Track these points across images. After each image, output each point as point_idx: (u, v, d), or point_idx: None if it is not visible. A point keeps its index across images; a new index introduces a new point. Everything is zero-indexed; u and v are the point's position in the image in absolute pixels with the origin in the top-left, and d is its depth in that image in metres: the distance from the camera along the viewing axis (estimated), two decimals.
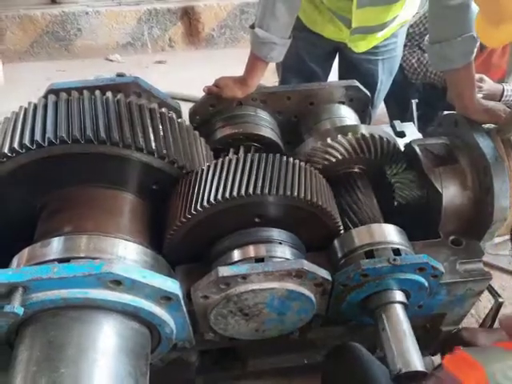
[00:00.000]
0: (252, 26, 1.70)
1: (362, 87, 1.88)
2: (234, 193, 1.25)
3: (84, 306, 1.08)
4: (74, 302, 1.06)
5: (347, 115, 1.85)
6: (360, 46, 2.05)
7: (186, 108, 1.85)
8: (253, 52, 1.72)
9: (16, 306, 0.98)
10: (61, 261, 1.15)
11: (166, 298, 1.13)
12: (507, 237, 1.67)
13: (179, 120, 1.48)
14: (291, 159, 1.42)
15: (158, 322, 1.17)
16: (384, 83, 2.30)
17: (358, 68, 2.18)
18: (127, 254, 1.23)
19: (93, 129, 1.27)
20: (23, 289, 1.01)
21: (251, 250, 1.31)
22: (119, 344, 1.10)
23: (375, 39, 2.05)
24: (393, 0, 1.80)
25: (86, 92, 1.41)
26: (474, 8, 1.57)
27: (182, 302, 1.16)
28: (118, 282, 1.06)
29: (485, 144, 1.48)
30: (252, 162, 1.35)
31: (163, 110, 1.46)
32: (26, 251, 1.21)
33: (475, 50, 1.59)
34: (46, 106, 1.36)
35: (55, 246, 1.20)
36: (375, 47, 2.10)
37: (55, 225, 1.30)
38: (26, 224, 1.35)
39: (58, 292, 1.04)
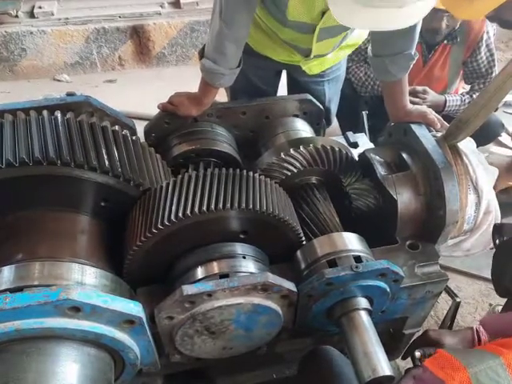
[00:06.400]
0: (201, 53, 1.70)
1: (314, 100, 1.93)
2: (196, 209, 1.23)
3: (40, 337, 1.01)
4: (30, 333, 1.00)
5: (302, 128, 1.88)
6: (314, 68, 2.06)
7: (139, 126, 1.81)
8: (203, 78, 1.73)
9: None
10: (13, 290, 1.08)
11: (128, 322, 1.09)
12: (459, 238, 1.74)
13: (133, 137, 1.45)
14: (251, 173, 1.42)
15: (121, 347, 1.12)
16: (333, 100, 2.36)
17: (306, 90, 2.18)
18: (85, 279, 1.18)
19: (27, 151, 1.20)
20: None
21: (215, 266, 1.30)
22: (78, 372, 1.05)
23: (328, 61, 2.07)
24: (348, 27, 1.83)
25: (32, 112, 1.35)
26: (417, 27, 1.66)
27: (146, 324, 1.12)
28: (76, 309, 1.01)
29: (433, 150, 1.55)
30: (212, 177, 1.34)
31: (116, 127, 1.42)
32: None
33: (412, 65, 1.72)
34: None
35: (6, 275, 1.13)
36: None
37: (5, 252, 1.22)
38: None
39: (12, 324, 0.97)
